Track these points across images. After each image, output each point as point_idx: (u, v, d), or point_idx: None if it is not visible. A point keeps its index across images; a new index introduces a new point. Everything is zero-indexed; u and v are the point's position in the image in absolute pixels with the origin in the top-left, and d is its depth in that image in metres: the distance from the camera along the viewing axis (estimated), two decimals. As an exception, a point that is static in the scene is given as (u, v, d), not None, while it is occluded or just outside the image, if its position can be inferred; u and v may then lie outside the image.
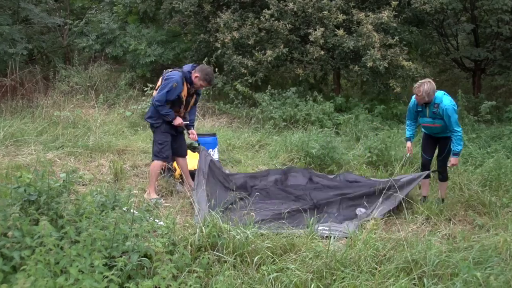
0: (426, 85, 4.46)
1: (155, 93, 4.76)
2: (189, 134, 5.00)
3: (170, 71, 4.75)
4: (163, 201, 4.63)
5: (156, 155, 4.75)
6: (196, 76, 4.67)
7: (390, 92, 9.03)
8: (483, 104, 8.24)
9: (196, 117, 6.01)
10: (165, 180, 5.33)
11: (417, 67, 8.70)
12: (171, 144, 4.81)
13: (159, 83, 4.76)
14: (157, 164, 4.77)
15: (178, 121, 4.75)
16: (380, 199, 4.41)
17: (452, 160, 4.62)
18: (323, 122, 7.92)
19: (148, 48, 9.92)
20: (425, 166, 4.93)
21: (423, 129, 4.97)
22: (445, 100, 4.52)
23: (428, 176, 4.89)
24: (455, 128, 4.49)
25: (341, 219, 4.31)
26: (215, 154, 6.04)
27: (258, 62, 8.61)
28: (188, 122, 4.94)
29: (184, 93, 4.72)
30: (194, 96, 4.90)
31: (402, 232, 3.64)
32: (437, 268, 3.02)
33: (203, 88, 4.97)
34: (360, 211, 4.47)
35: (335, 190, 5.03)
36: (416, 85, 4.58)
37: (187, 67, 4.77)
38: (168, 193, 5.03)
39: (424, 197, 4.95)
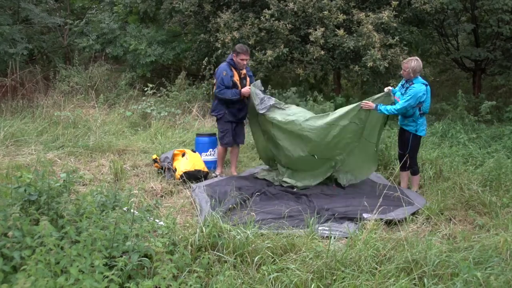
0: (413, 62, 4.88)
1: (214, 88, 5.48)
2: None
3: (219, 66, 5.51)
4: (221, 175, 5.58)
5: (220, 142, 5.63)
6: (234, 55, 5.30)
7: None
8: (483, 104, 8.24)
9: (197, 117, 6.29)
10: (166, 180, 5.34)
11: (418, 67, 8.68)
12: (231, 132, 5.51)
13: (215, 80, 5.47)
14: (221, 149, 5.66)
15: (245, 89, 5.32)
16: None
17: (370, 103, 4.92)
18: (323, 122, 7.90)
19: (149, 48, 9.93)
20: (399, 159, 5.29)
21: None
22: (418, 86, 4.87)
23: (405, 169, 5.22)
24: (399, 105, 4.83)
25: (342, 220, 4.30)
26: (215, 154, 6.05)
27: (258, 62, 8.60)
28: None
29: (236, 78, 5.35)
30: (247, 78, 5.51)
31: (402, 232, 3.64)
32: (437, 268, 3.01)
33: (247, 64, 5.56)
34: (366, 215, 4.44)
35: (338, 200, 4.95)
36: (405, 60, 5.08)
37: (229, 56, 5.47)
38: (168, 193, 5.04)
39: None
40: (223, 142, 5.55)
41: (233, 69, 5.35)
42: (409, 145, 5.07)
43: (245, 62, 5.35)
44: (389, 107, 4.91)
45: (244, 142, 5.94)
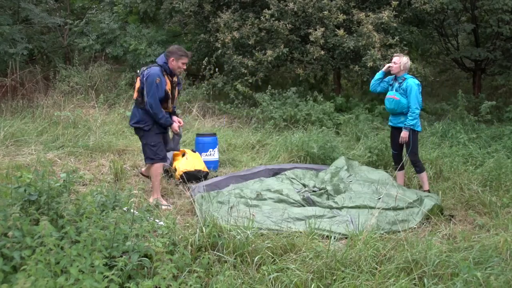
0: (405, 58, 5.07)
1: (136, 94, 4.54)
2: (172, 123, 4.68)
3: (146, 69, 4.48)
4: (170, 207, 4.52)
5: (153, 158, 4.57)
6: (172, 60, 4.46)
7: (391, 92, 9.02)
8: (483, 104, 8.24)
9: (197, 117, 5.96)
10: (165, 180, 5.34)
11: (418, 67, 8.70)
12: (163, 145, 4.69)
13: (138, 84, 4.50)
14: (158, 166, 4.62)
15: (175, 126, 4.63)
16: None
17: (402, 133, 4.96)
18: (324, 122, 7.92)
19: (149, 48, 9.93)
20: (394, 159, 5.38)
21: (386, 103, 5.24)
22: (412, 80, 5.01)
23: (402, 168, 5.25)
24: (413, 106, 4.91)
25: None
26: (215, 154, 6.05)
27: (258, 62, 8.61)
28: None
29: (168, 86, 4.51)
30: (176, 87, 4.69)
31: (403, 232, 3.64)
32: (437, 268, 3.01)
33: (181, 73, 4.70)
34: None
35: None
36: (396, 54, 5.25)
37: (160, 59, 4.53)
38: (168, 193, 5.03)
39: None
40: (159, 157, 4.58)
41: (166, 75, 4.49)
42: (410, 142, 5.01)
43: (185, 67, 4.61)
44: (410, 118, 4.93)
45: (179, 148, 5.11)
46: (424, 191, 5.04)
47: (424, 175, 5.15)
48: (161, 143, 4.62)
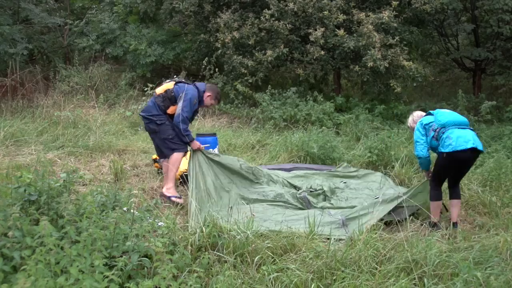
0: (409, 118, 4.80)
1: (161, 92, 4.77)
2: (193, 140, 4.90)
3: (187, 84, 4.79)
4: (181, 199, 4.65)
5: (175, 149, 4.73)
6: (209, 95, 4.83)
7: (391, 92, 9.03)
8: (483, 104, 8.24)
9: (197, 117, 5.98)
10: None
11: (418, 67, 8.70)
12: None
13: (169, 87, 4.75)
14: (179, 155, 4.78)
15: (197, 145, 4.79)
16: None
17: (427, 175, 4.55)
18: (324, 122, 7.92)
19: (149, 48, 9.93)
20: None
21: None
22: (416, 127, 4.50)
23: (454, 196, 4.40)
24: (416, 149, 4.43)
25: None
26: (215, 154, 6.05)
27: (258, 62, 8.60)
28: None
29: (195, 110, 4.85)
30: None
31: (402, 232, 3.64)
32: (437, 268, 3.01)
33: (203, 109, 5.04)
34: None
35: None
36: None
37: (201, 86, 4.86)
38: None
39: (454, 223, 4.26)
40: (181, 148, 4.76)
41: (196, 101, 4.79)
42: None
43: (210, 107, 5.15)
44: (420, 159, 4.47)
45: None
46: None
47: (433, 204, 4.32)
48: (176, 134, 4.73)
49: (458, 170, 4.31)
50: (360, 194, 4.97)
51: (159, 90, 4.84)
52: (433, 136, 4.30)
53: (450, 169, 4.28)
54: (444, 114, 4.35)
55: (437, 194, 4.32)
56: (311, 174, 5.53)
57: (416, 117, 4.68)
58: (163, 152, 4.84)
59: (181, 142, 4.74)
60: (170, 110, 4.76)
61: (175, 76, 4.99)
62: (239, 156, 6.60)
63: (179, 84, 4.79)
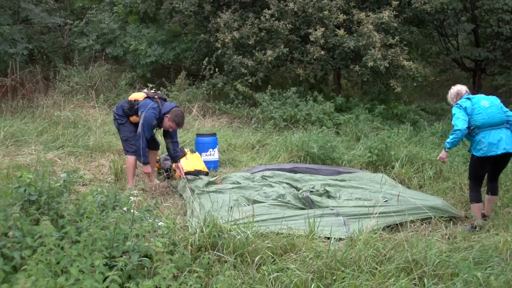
0: (449, 91, 4.75)
1: (132, 99, 4.97)
2: (175, 169, 5.22)
3: (150, 103, 4.86)
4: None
5: (127, 151, 5.00)
6: (167, 118, 4.89)
7: (391, 92, 9.04)
8: (483, 104, 8.22)
9: (197, 117, 5.95)
10: (166, 180, 5.33)
11: (418, 67, 8.70)
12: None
13: (138, 97, 4.94)
14: (132, 159, 4.99)
15: (148, 169, 4.99)
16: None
17: (443, 155, 4.54)
18: (324, 122, 7.92)
19: (149, 48, 9.93)
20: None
21: None
22: (455, 105, 4.51)
23: (491, 193, 4.47)
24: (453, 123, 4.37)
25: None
26: (215, 154, 6.05)
27: (258, 62, 8.60)
28: (176, 154, 5.22)
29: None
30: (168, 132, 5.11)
31: (403, 232, 3.64)
32: (437, 268, 3.01)
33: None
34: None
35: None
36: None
37: (166, 107, 4.94)
38: (169, 193, 5.04)
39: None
40: (131, 150, 4.95)
41: (154, 122, 4.93)
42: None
43: (171, 129, 5.05)
44: (448, 140, 4.38)
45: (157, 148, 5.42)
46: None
47: (474, 206, 4.34)
48: (133, 137, 4.95)
49: (492, 169, 4.39)
50: (363, 193, 4.95)
51: (131, 96, 5.07)
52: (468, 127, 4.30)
53: (483, 169, 4.37)
54: (482, 112, 4.26)
55: (476, 196, 4.34)
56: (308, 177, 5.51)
57: (456, 95, 4.60)
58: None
59: (132, 146, 4.96)
60: (132, 119, 4.99)
61: (151, 86, 5.21)
62: (239, 155, 6.61)
63: (146, 100, 4.90)
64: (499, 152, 4.14)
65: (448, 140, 4.34)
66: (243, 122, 8.49)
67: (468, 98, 4.40)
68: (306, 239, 3.42)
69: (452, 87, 4.72)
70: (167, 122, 4.91)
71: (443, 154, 4.51)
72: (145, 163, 4.92)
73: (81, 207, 3.20)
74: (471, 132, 4.32)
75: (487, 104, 4.29)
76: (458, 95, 4.57)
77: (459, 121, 4.26)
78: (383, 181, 5.31)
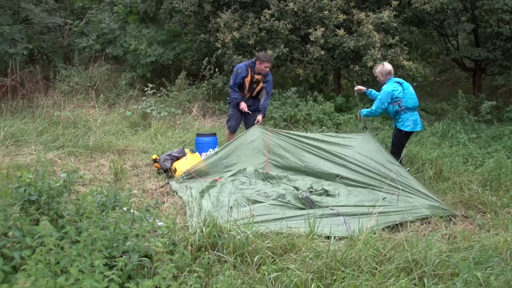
0: (378, 67, 5.39)
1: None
2: (256, 120, 6.01)
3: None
4: None
5: (227, 126, 6.30)
6: (258, 63, 5.86)
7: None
8: (483, 104, 8.24)
9: (197, 117, 6.80)
10: (165, 180, 5.33)
11: (418, 67, 8.70)
12: (241, 119, 6.23)
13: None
14: (227, 133, 6.29)
15: (242, 105, 5.98)
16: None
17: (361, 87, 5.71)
18: (324, 122, 7.92)
19: (149, 48, 9.93)
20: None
21: None
22: (387, 85, 5.25)
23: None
24: (374, 105, 5.25)
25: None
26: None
27: (258, 62, 8.60)
28: (259, 108, 6.15)
29: (248, 79, 5.94)
30: (260, 83, 6.02)
31: (403, 232, 3.64)
32: (437, 268, 3.01)
33: (266, 71, 5.93)
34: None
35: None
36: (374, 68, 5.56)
37: (253, 59, 6.06)
38: (169, 193, 5.03)
39: None
40: (227, 125, 6.24)
41: (249, 70, 5.90)
42: (393, 140, 5.38)
43: (267, 69, 5.90)
44: (366, 110, 5.37)
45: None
46: None
47: None
48: (233, 116, 6.16)
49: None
50: (362, 192, 4.94)
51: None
52: (396, 109, 5.21)
53: (406, 141, 5.48)
54: (412, 97, 5.21)
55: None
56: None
57: (388, 74, 5.34)
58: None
59: (230, 122, 6.29)
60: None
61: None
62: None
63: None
64: (418, 129, 5.27)
65: (367, 111, 5.35)
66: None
67: (399, 83, 5.24)
68: (306, 239, 3.42)
69: (385, 63, 5.43)
70: (261, 66, 5.83)
71: (362, 88, 5.65)
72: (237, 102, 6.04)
73: (81, 207, 3.20)
74: (399, 111, 5.19)
75: (412, 90, 5.25)
76: (389, 75, 5.32)
77: (382, 106, 5.20)
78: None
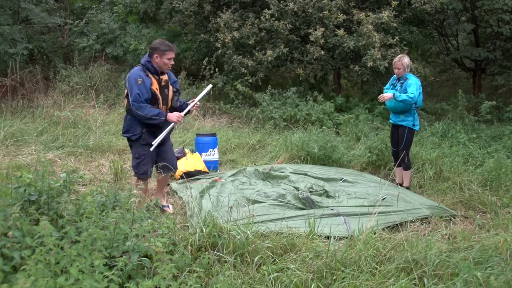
0: (406, 58, 5.14)
1: (125, 102, 4.11)
2: (189, 111, 4.24)
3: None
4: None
5: (135, 171, 4.18)
6: (156, 56, 3.98)
7: (391, 92, 9.03)
8: (483, 104, 8.24)
9: (197, 117, 5.94)
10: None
11: (418, 67, 8.70)
12: (154, 158, 4.19)
13: (126, 90, 4.08)
14: (136, 181, 4.21)
15: (174, 117, 4.01)
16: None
17: (386, 94, 5.05)
18: (324, 122, 7.92)
19: (149, 48, 9.92)
20: (394, 156, 5.50)
21: (386, 102, 5.24)
22: (414, 78, 5.15)
23: (399, 165, 5.35)
24: (410, 92, 4.95)
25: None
26: (215, 154, 6.05)
27: (258, 62, 8.61)
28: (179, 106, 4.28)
29: (155, 86, 3.99)
30: (170, 87, 4.16)
31: (403, 232, 3.64)
32: (437, 268, 3.01)
33: (170, 67, 4.13)
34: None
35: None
36: (396, 59, 5.19)
37: (144, 58, 4.11)
38: (170, 193, 5.03)
39: (399, 184, 5.42)
40: (139, 172, 4.12)
41: (150, 75, 4.00)
42: (404, 140, 5.22)
43: (172, 62, 4.06)
44: (404, 95, 4.96)
45: (176, 169, 4.48)
46: (405, 187, 5.30)
47: (408, 173, 5.39)
48: (147, 157, 4.10)
49: None
50: (362, 193, 4.95)
51: (125, 101, 4.21)
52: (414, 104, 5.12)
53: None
54: (421, 97, 5.19)
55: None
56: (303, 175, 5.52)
57: (408, 67, 5.16)
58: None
59: (142, 167, 4.17)
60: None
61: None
62: (239, 156, 6.61)
63: (127, 77, 4.10)
64: (418, 128, 5.30)
65: (404, 97, 4.93)
66: (243, 122, 8.49)
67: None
68: (306, 239, 3.42)
69: (405, 56, 5.25)
70: (164, 59, 3.99)
71: (388, 95, 5.03)
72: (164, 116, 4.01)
73: (81, 207, 3.20)
74: (412, 109, 5.13)
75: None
76: (409, 68, 5.18)
77: (417, 94, 4.98)
78: (382, 181, 5.33)
